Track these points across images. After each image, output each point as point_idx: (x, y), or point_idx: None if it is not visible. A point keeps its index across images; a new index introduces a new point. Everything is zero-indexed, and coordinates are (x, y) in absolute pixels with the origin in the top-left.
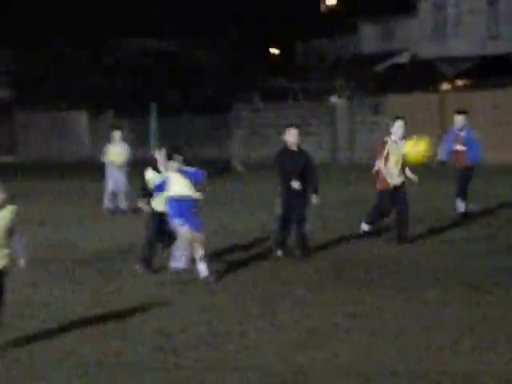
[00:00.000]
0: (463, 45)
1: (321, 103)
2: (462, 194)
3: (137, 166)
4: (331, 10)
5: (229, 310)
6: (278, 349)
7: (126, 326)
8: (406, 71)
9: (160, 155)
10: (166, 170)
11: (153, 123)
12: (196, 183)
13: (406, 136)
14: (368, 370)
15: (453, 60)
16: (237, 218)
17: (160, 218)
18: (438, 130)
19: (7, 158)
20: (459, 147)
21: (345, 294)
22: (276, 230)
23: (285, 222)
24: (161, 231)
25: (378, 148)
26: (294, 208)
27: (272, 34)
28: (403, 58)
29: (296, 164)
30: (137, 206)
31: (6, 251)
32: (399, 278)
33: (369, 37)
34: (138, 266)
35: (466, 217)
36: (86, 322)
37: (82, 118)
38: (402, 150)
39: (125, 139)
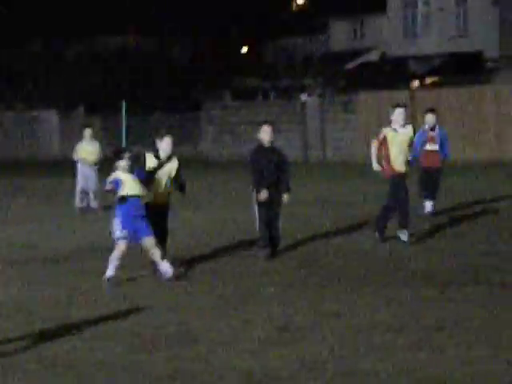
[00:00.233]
0: (433, 43)
1: (291, 101)
2: (432, 193)
3: (108, 164)
4: (301, 8)
5: (201, 308)
6: (250, 346)
7: (99, 326)
8: (377, 69)
9: (161, 142)
10: (115, 169)
11: (123, 121)
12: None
13: (407, 123)
14: (341, 369)
15: (422, 58)
16: (209, 217)
17: (155, 209)
18: None
19: None
20: (432, 147)
21: (317, 291)
22: (259, 231)
23: (265, 220)
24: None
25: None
26: (269, 206)
27: (242, 33)
28: (373, 56)
29: (270, 162)
30: (106, 205)
31: None
32: (373, 276)
33: (339, 35)
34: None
35: (435, 215)
36: (58, 322)
37: (52, 117)
38: (404, 137)
39: (96, 137)
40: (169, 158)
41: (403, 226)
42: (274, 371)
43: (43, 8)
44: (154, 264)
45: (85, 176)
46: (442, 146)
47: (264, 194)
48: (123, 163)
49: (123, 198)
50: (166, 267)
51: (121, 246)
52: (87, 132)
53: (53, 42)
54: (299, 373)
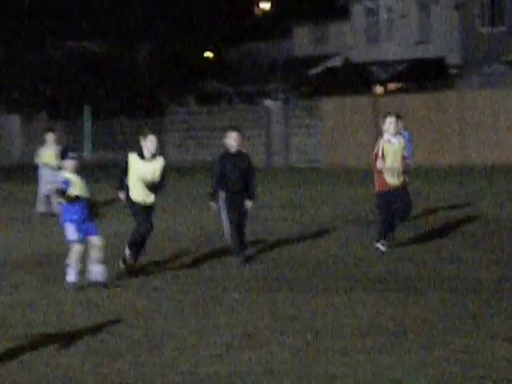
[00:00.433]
0: (395, 49)
1: (255, 106)
2: None
3: None
4: (265, 13)
5: (165, 313)
6: (215, 351)
7: (63, 331)
8: (340, 75)
9: (145, 142)
10: (61, 168)
11: (86, 126)
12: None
13: (399, 132)
14: (305, 373)
15: (385, 64)
16: (174, 221)
17: (143, 209)
18: (372, 133)
19: None
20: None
21: (281, 296)
22: (230, 238)
23: (235, 224)
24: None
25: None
26: (238, 210)
27: (207, 38)
28: (337, 62)
29: (236, 168)
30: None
31: None
32: (337, 281)
33: (302, 40)
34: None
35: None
36: (20, 328)
37: (14, 121)
38: (397, 147)
39: (58, 142)
40: (154, 157)
41: (381, 235)
42: (239, 376)
43: (3, 13)
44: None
45: (47, 180)
46: (407, 151)
47: (213, 205)
48: (70, 163)
49: (76, 198)
50: (100, 270)
51: (76, 249)
52: (50, 136)
53: (15, 46)
54: (264, 377)
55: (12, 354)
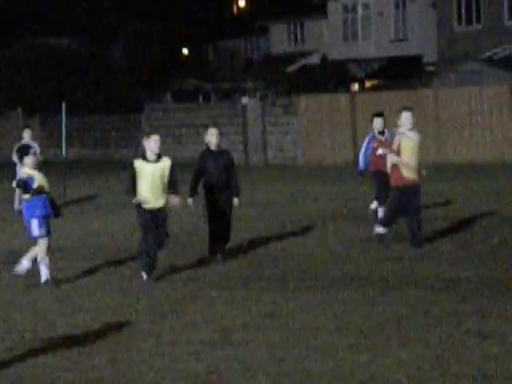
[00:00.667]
0: (372, 46)
1: (233, 104)
2: (381, 197)
3: (48, 165)
4: (242, 11)
5: (141, 310)
6: (192, 348)
7: (38, 328)
8: (317, 72)
9: (148, 142)
10: (22, 166)
11: (63, 123)
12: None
13: (415, 127)
14: (283, 370)
15: (362, 61)
16: None
17: (150, 214)
18: (349, 130)
19: None
20: (383, 151)
21: (259, 294)
22: (208, 235)
23: (216, 223)
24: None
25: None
26: (219, 209)
27: (183, 35)
28: (313, 59)
29: (218, 165)
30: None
31: None
32: (315, 278)
33: (279, 38)
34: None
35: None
36: None
37: None
38: (414, 142)
39: (35, 138)
40: (159, 158)
41: (418, 241)
42: (217, 373)
43: None
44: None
45: None
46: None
47: (189, 202)
48: (30, 160)
49: (38, 192)
50: (25, 266)
51: (42, 244)
52: (26, 133)
53: None
54: (242, 374)
55: None
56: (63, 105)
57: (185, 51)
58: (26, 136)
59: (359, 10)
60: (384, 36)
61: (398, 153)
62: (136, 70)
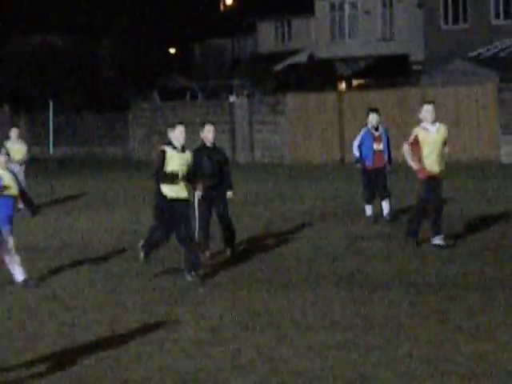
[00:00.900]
0: (360, 45)
1: (220, 102)
2: (385, 194)
3: (35, 164)
4: (230, 9)
5: (130, 308)
6: (181, 346)
7: (27, 325)
8: (304, 71)
9: (173, 133)
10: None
11: (51, 121)
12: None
13: (437, 120)
14: (272, 368)
15: (350, 60)
16: (140, 216)
17: (171, 205)
18: (336, 129)
19: None
20: (378, 146)
21: (248, 292)
22: (198, 232)
23: (205, 221)
24: (172, 221)
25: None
26: (209, 205)
27: (171, 33)
28: (301, 58)
29: (213, 161)
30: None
31: None
32: (304, 277)
33: (266, 36)
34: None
35: (393, 216)
36: None
37: None
38: (435, 135)
39: (22, 137)
40: (183, 149)
41: (436, 231)
42: (206, 371)
43: None
44: None
45: None
46: (386, 146)
47: (199, 193)
48: (1, 159)
49: (3, 192)
50: (19, 271)
51: (12, 243)
52: (14, 132)
53: None
54: (231, 373)
55: None
56: (50, 103)
57: (172, 50)
58: (13, 135)
59: (346, 8)
60: (371, 35)
61: (411, 145)
62: (123, 68)
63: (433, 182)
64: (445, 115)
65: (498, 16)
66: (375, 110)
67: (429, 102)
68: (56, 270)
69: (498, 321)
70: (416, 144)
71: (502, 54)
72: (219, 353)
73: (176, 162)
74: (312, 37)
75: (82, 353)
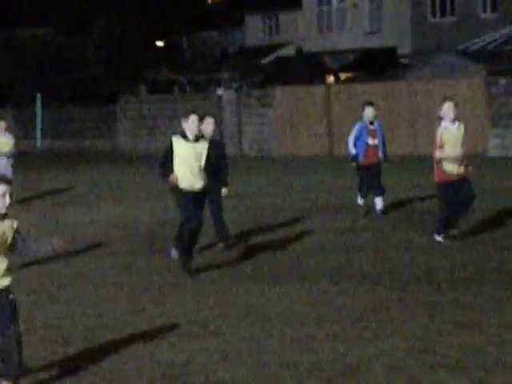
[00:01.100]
0: (347, 39)
1: (208, 95)
2: (379, 190)
3: (22, 157)
4: (217, 2)
5: (118, 301)
6: (169, 339)
7: None
8: (292, 64)
9: (186, 123)
10: None
11: (38, 113)
12: None
13: (458, 118)
14: (261, 361)
15: (337, 53)
16: (129, 209)
17: (187, 195)
18: (324, 122)
19: None
20: (373, 141)
21: (235, 285)
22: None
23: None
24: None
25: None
26: (207, 198)
27: (158, 26)
28: (289, 51)
29: (211, 154)
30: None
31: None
32: (291, 270)
33: (254, 29)
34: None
35: (385, 212)
36: None
37: None
38: (456, 133)
39: (9, 130)
40: (197, 139)
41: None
42: (195, 363)
43: None
44: None
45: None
46: (381, 141)
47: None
48: None
49: None
50: None
51: None
52: (1, 125)
53: None
54: (220, 365)
55: None
56: (38, 96)
57: (159, 43)
58: (1, 128)
59: (334, 2)
60: (359, 28)
61: (441, 147)
62: (110, 61)
63: (453, 184)
64: (432, 109)
65: (485, 9)
66: (371, 104)
67: (449, 99)
68: (43, 262)
69: (486, 313)
70: (441, 146)
71: (489, 48)
72: (208, 345)
73: (185, 152)
74: (300, 30)
75: (70, 345)
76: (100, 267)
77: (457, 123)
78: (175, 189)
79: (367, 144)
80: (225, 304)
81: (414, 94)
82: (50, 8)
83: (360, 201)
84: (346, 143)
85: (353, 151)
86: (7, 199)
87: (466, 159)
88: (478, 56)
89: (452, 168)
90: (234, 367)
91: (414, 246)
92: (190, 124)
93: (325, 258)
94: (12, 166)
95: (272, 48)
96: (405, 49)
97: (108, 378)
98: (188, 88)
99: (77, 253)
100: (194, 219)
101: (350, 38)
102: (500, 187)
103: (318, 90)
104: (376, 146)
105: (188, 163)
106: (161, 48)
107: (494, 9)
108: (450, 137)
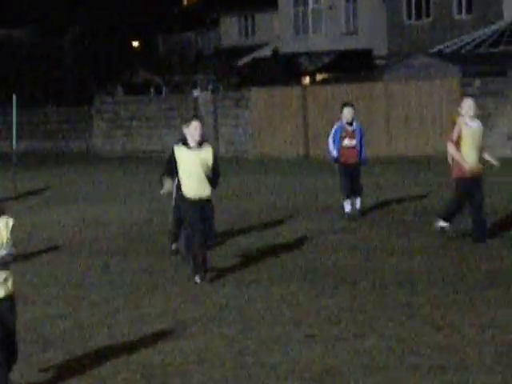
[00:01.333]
0: (323, 40)
1: (184, 97)
2: (357, 191)
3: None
4: (192, 3)
5: (96, 302)
6: (146, 340)
7: None
8: (268, 65)
9: (188, 129)
10: None
11: (14, 115)
12: None
13: (477, 115)
14: (239, 362)
15: (313, 55)
16: (105, 210)
17: (193, 206)
18: (300, 123)
19: None
20: (350, 142)
21: (214, 286)
22: (172, 221)
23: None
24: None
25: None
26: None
27: (134, 27)
28: (265, 52)
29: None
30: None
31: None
32: (271, 271)
33: (230, 31)
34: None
35: (362, 214)
36: None
37: None
38: (476, 131)
39: None
40: (200, 145)
41: (481, 238)
42: (173, 365)
43: None
44: None
45: None
46: (360, 142)
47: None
48: None
49: None
50: None
51: None
52: None
53: None
54: (197, 366)
55: None
56: (14, 96)
57: (135, 43)
58: None
59: (310, 3)
60: (335, 29)
61: (457, 142)
62: (86, 62)
63: (471, 180)
64: (408, 110)
65: (460, 11)
66: (350, 105)
67: (469, 96)
68: (19, 264)
69: (463, 314)
70: (458, 142)
71: (465, 49)
72: (186, 347)
73: (190, 160)
74: (276, 31)
75: (48, 347)
76: (76, 268)
77: (477, 121)
78: (180, 199)
79: (343, 145)
80: (202, 305)
81: (391, 96)
82: (24, 8)
83: (345, 204)
84: (323, 144)
85: (334, 153)
86: None
87: (483, 157)
88: (454, 57)
89: (472, 164)
90: (212, 368)
91: (392, 247)
92: (192, 130)
93: (303, 258)
94: None
95: (248, 49)
96: (381, 50)
97: (85, 379)
98: (164, 89)
99: (53, 254)
100: (199, 230)
101: (326, 40)
102: None
103: (294, 92)
104: (354, 147)
105: (193, 172)
106: (136, 49)
107: (470, 10)
108: (468, 133)
